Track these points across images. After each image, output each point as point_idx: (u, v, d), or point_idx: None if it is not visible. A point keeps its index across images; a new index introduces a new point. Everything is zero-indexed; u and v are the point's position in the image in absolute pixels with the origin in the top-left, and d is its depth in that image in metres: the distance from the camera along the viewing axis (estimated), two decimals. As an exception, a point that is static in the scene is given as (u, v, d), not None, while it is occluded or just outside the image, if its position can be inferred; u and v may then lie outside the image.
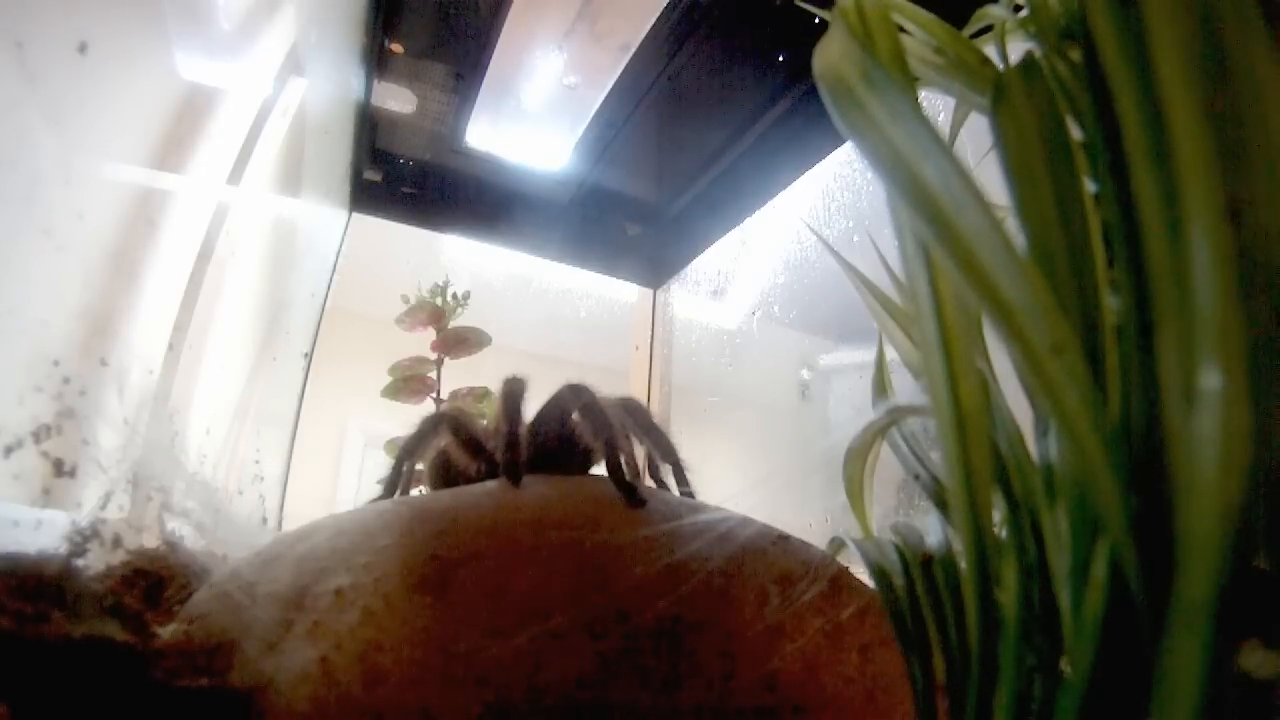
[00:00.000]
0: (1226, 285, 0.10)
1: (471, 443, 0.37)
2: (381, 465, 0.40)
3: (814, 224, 0.70)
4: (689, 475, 0.38)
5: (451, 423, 0.37)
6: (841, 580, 0.27)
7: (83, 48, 0.28)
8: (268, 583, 0.25)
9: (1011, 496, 0.17)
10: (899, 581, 0.21)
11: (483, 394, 0.69)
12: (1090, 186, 0.15)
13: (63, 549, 0.25)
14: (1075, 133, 0.15)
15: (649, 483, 0.38)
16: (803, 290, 0.77)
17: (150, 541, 0.31)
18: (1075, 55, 0.18)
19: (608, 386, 0.35)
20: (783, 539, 0.29)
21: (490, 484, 0.32)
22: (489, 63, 0.60)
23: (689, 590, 0.24)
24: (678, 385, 0.93)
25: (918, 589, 0.21)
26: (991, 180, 0.15)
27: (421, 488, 0.43)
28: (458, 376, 0.70)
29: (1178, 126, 0.11)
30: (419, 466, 0.40)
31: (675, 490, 0.37)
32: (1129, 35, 0.12)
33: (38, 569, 0.24)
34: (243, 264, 0.52)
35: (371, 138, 0.71)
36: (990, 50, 0.25)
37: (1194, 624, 0.10)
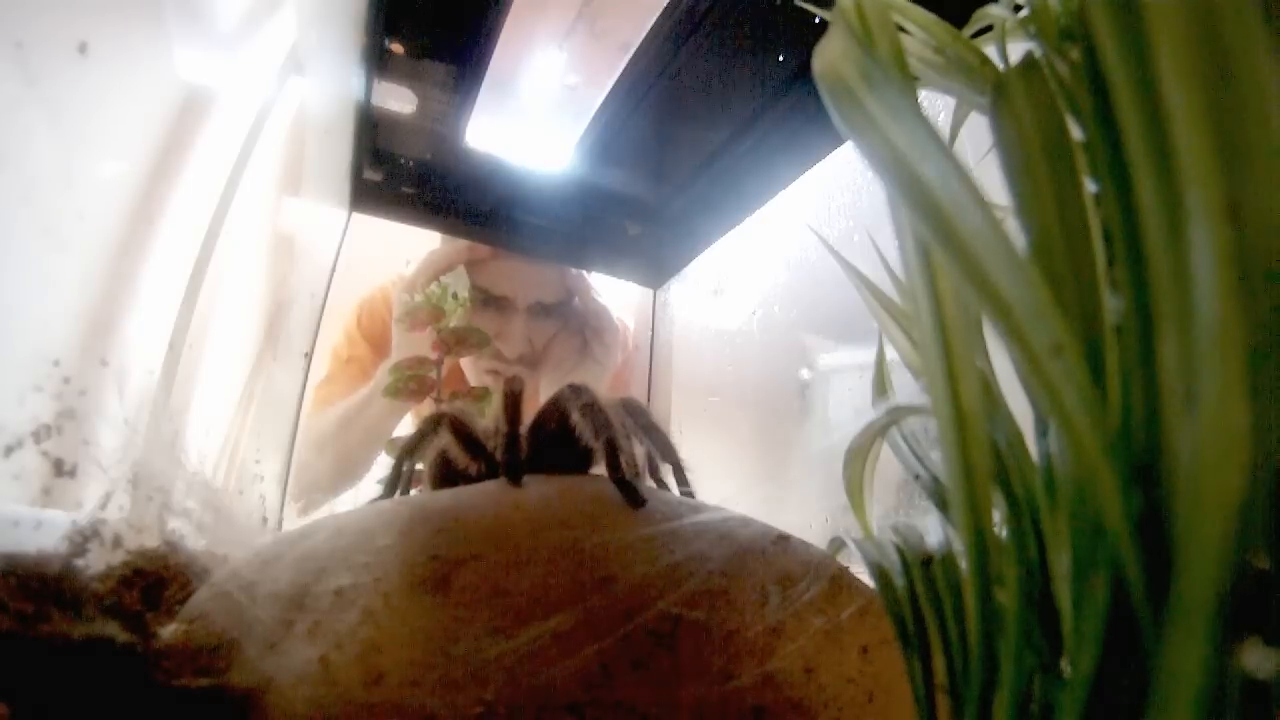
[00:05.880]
0: (1226, 285, 0.10)
1: (471, 443, 0.37)
2: (381, 465, 0.40)
3: (814, 224, 0.70)
4: (689, 475, 0.38)
5: (451, 423, 0.37)
6: (841, 580, 0.27)
7: (83, 48, 0.28)
8: (268, 583, 0.25)
9: (1011, 496, 0.17)
10: (899, 581, 0.21)
11: (482, 394, 0.69)
12: (1090, 186, 0.15)
13: (63, 549, 0.25)
14: (1075, 133, 0.15)
15: (649, 483, 0.38)
16: (803, 290, 0.77)
17: (150, 541, 0.31)
18: (1075, 55, 0.18)
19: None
20: (783, 539, 0.29)
21: (490, 484, 0.32)
22: (489, 63, 0.60)
23: (689, 590, 0.24)
24: (678, 385, 0.93)
25: (918, 589, 0.21)
26: (991, 180, 0.15)
27: (421, 488, 0.43)
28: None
29: (1178, 126, 0.11)
30: (419, 466, 0.40)
31: (675, 490, 0.37)
32: (1129, 35, 0.12)
33: (38, 569, 0.24)
34: (243, 264, 0.52)
35: (371, 138, 0.71)
36: (990, 50, 0.25)
37: (1194, 623, 0.10)
